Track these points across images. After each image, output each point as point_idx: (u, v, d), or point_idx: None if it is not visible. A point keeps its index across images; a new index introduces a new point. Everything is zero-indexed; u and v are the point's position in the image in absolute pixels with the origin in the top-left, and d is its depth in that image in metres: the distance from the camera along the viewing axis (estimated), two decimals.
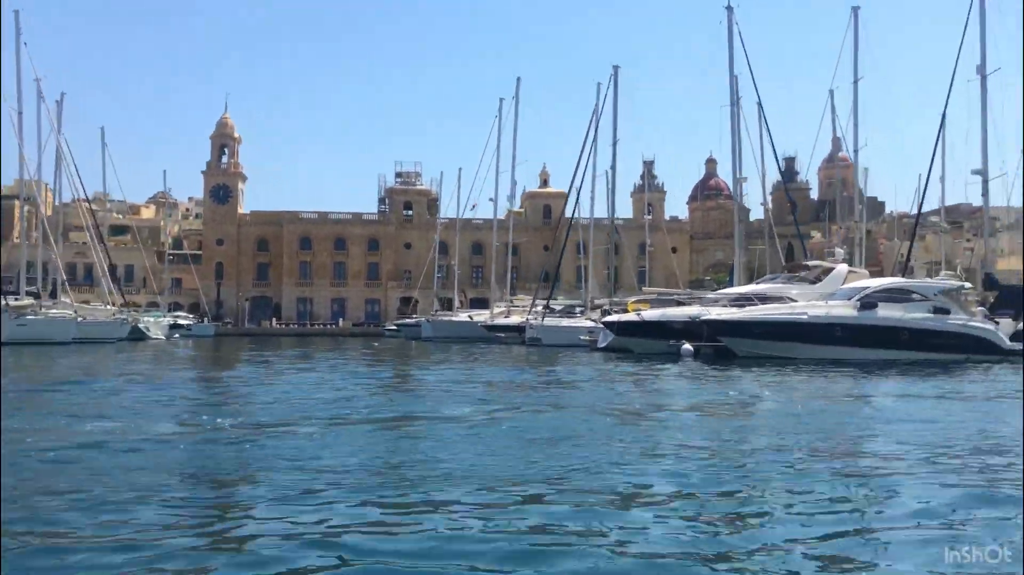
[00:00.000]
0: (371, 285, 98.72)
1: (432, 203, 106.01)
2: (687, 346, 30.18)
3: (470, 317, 63.67)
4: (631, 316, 33.80)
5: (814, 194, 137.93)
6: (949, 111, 57.13)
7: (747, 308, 30.42)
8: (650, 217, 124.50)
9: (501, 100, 63.34)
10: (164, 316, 66.94)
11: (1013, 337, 34.50)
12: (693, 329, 30.69)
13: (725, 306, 31.63)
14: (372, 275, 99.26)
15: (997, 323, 31.06)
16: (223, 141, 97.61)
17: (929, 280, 31.21)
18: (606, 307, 42.11)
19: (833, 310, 29.16)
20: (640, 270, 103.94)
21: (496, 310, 61.90)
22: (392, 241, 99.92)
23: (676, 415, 14.24)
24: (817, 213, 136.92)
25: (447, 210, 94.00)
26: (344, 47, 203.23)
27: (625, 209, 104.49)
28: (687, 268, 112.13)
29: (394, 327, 78.14)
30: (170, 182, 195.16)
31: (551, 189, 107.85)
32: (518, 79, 61.47)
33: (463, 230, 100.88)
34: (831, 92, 54.58)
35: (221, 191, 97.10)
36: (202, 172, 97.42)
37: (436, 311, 75.08)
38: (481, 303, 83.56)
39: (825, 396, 17.67)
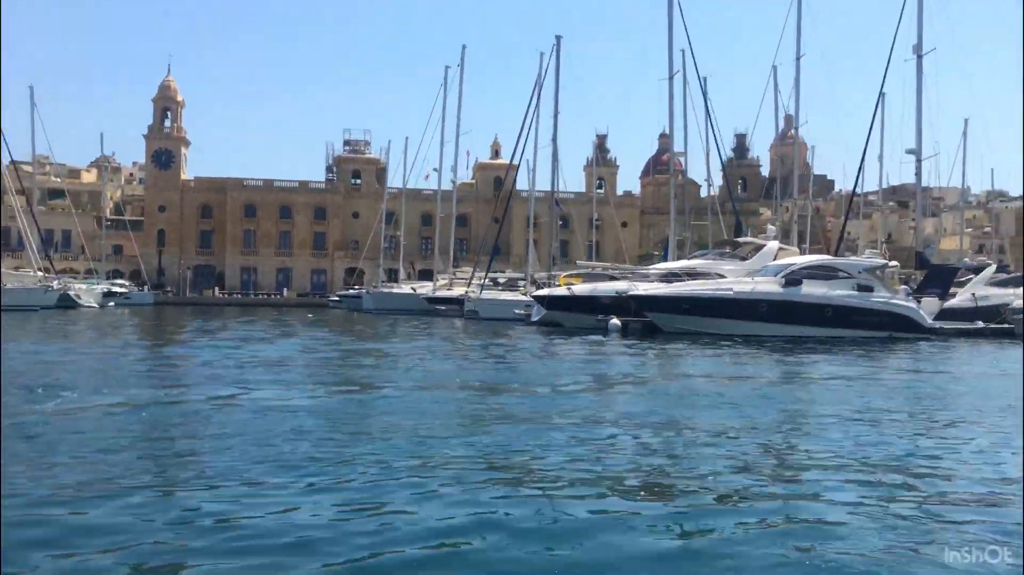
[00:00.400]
0: (317, 255, 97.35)
1: (381, 172, 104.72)
2: (614, 321, 30.08)
3: (413, 289, 63.08)
4: (561, 290, 33.60)
5: (765, 171, 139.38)
6: (889, 91, 57.53)
7: (674, 284, 30.40)
8: (601, 191, 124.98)
9: (447, 68, 62.33)
10: (98, 284, 65.14)
11: (938, 316, 35.12)
12: (622, 304, 30.59)
13: (654, 282, 31.59)
14: (318, 245, 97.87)
15: (919, 301, 31.45)
16: (166, 104, 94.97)
17: (854, 258, 31.45)
18: (540, 281, 41.89)
19: (758, 286, 29.22)
20: (589, 244, 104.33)
21: (440, 282, 61.32)
22: (339, 210, 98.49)
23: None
24: (768, 190, 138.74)
25: (396, 179, 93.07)
26: (292, 10, 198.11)
27: (578, 183, 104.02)
28: (637, 243, 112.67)
29: (336, 298, 77.25)
30: (114, 147, 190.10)
31: (502, 160, 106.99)
32: (463, 47, 60.74)
33: (412, 200, 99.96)
34: (774, 68, 54.56)
35: (163, 156, 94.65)
36: (144, 136, 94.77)
37: (382, 282, 74.34)
38: (429, 275, 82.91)
39: (713, 375, 17.56)
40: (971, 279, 37.60)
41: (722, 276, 31.76)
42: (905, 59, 43.26)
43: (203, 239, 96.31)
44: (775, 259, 32.92)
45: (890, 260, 33.16)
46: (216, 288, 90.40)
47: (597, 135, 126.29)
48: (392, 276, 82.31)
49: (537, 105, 47.82)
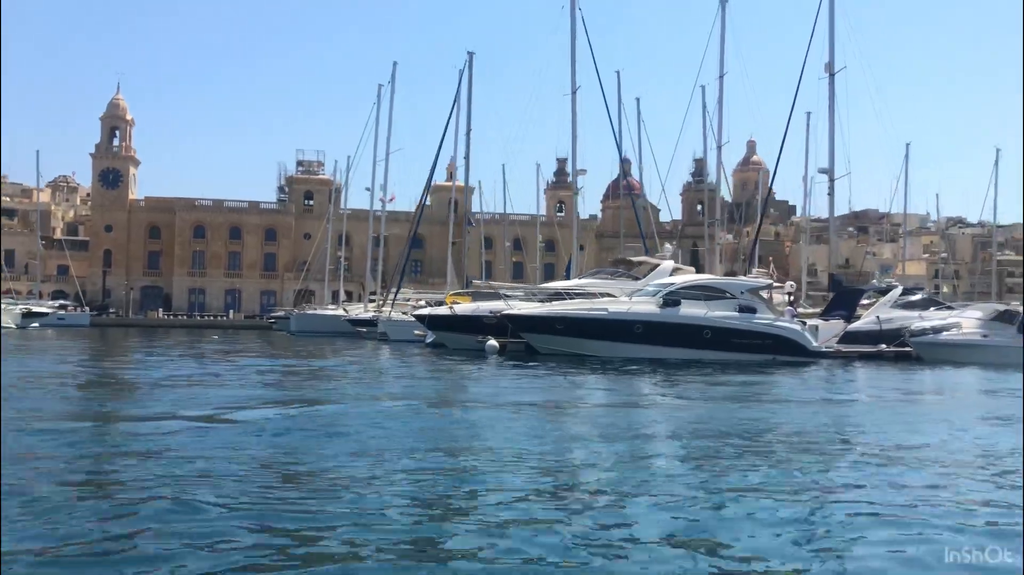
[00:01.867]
0: (267, 276, 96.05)
1: (336, 193, 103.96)
2: (491, 342, 28.93)
3: (345, 311, 61.87)
4: (442, 310, 32.50)
5: (728, 196, 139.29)
6: (811, 109, 57.07)
7: (552, 303, 29.35)
8: (561, 214, 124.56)
9: (380, 86, 61.52)
10: (16, 304, 63.48)
11: (842, 339, 34.17)
12: (506, 324, 29.50)
13: (538, 301, 30.52)
14: (269, 266, 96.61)
15: (804, 323, 30.49)
16: (114, 123, 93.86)
17: (737, 278, 30.43)
18: (431, 301, 40.70)
19: (635, 307, 28.15)
20: (546, 265, 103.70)
21: (373, 304, 60.09)
22: (290, 231, 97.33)
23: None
24: (731, 215, 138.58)
25: (352, 200, 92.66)
26: (245, 29, 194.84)
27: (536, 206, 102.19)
28: (593, 265, 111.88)
29: (272, 320, 76.01)
30: (56, 166, 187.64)
31: (459, 182, 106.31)
32: (394, 64, 59.69)
33: (364, 221, 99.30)
34: (701, 88, 53.88)
35: (111, 175, 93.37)
36: (91, 155, 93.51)
37: (304, 304, 73.36)
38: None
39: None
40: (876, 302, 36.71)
41: (612, 296, 30.73)
42: (819, 77, 42.90)
43: (151, 260, 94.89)
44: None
45: (776, 280, 32.15)
46: (161, 310, 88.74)
47: (557, 159, 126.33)
48: (347, 298, 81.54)
49: (459, 122, 47.00)
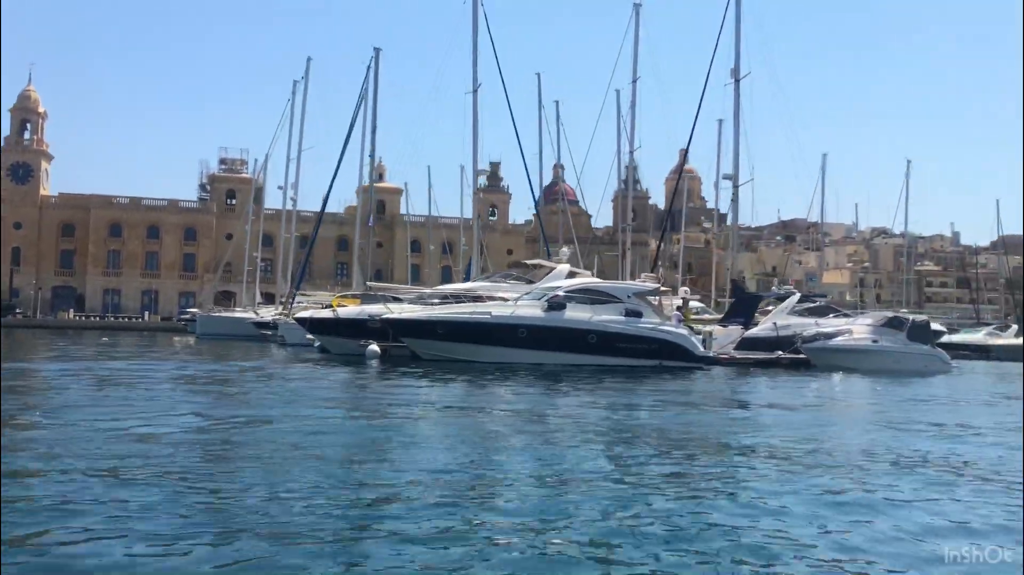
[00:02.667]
0: (187, 277, 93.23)
1: (258, 192, 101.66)
2: (372, 347, 27.77)
3: (256, 313, 59.95)
4: (324, 313, 31.26)
5: (661, 203, 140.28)
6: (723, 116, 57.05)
7: (434, 307, 28.38)
8: (494, 218, 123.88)
9: (295, 82, 59.86)
10: None
11: (739, 345, 33.88)
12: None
13: (428, 305, 29.51)
14: (188, 266, 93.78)
15: (692, 328, 30.08)
16: (25, 115, 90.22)
17: (623, 282, 29.84)
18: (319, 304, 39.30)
19: (520, 311, 27.30)
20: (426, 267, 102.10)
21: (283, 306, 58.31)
22: (211, 231, 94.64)
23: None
24: (662, 222, 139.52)
25: (277, 199, 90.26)
26: (167, 20, 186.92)
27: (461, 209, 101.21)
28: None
29: (183, 322, 73.59)
30: None
31: (387, 184, 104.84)
32: (308, 59, 58.03)
33: (288, 222, 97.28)
34: (616, 92, 53.57)
35: (21, 170, 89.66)
36: None
37: (211, 306, 71.14)
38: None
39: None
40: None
41: (504, 300, 29.86)
42: (725, 83, 42.83)
43: (63, 259, 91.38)
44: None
45: (663, 285, 31.68)
46: (72, 311, 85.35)
47: (490, 163, 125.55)
48: (263, 300, 79.14)
49: (365, 118, 45.79)
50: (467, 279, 37.36)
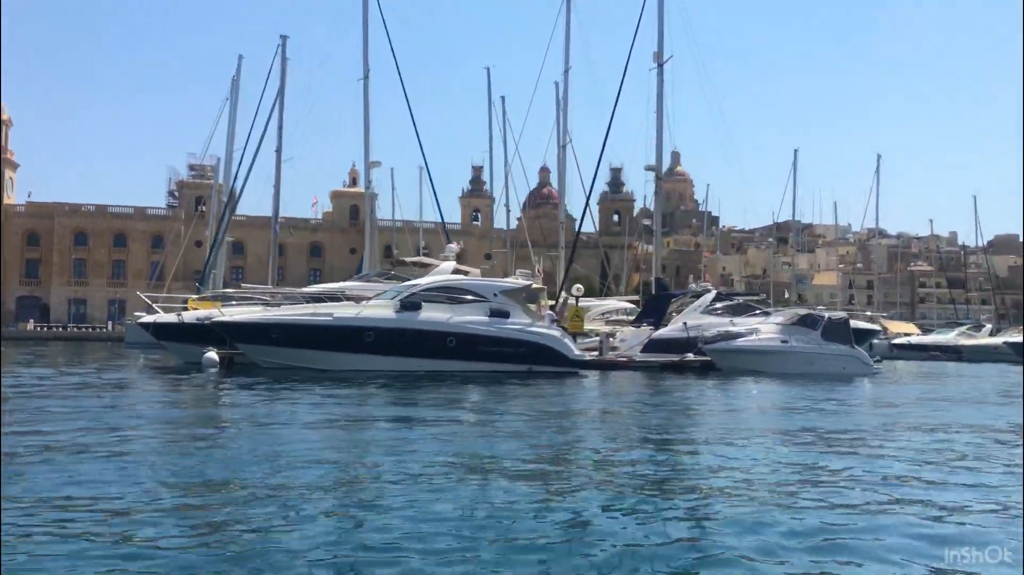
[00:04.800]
0: (154, 286, 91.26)
1: (230, 198, 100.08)
2: (209, 354, 25.19)
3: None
4: (168, 317, 28.84)
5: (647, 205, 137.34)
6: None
7: (269, 309, 25.83)
8: (478, 223, 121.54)
9: (233, 80, 57.46)
10: None
11: (646, 347, 31.19)
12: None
13: (280, 306, 26.96)
14: (156, 275, 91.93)
15: (564, 329, 27.33)
16: None
17: (490, 279, 27.11)
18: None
19: (367, 311, 24.74)
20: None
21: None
22: (180, 238, 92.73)
23: None
24: (650, 225, 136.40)
25: (246, 206, 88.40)
26: (134, 26, 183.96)
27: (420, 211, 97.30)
28: (502, 275, 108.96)
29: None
30: None
31: (359, 189, 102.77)
32: (240, 57, 55.64)
33: (263, 228, 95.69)
34: (556, 84, 50.83)
35: None
36: None
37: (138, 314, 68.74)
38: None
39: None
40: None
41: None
42: (649, 68, 40.13)
43: (29, 268, 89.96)
44: None
45: (541, 284, 28.93)
46: (33, 321, 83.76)
47: (473, 166, 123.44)
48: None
49: (279, 118, 43.39)
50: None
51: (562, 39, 46.33)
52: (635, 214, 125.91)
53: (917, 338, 57.91)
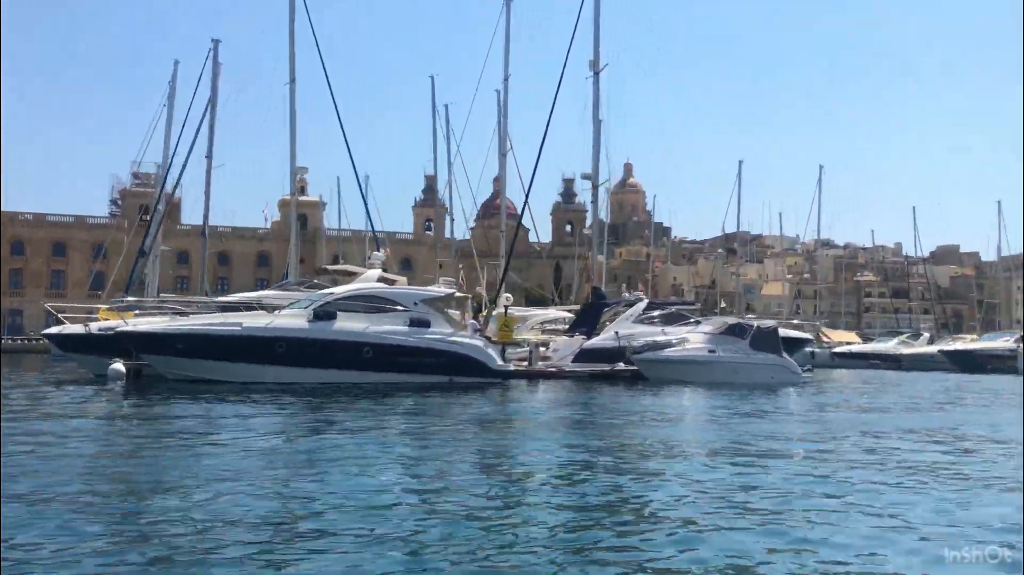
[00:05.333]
0: (95, 296, 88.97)
1: (174, 208, 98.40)
2: (116, 366, 24.15)
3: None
4: (75, 328, 27.76)
5: (604, 216, 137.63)
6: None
7: (185, 319, 24.90)
8: (431, 232, 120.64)
9: (169, 84, 56.03)
10: None
11: (577, 357, 30.72)
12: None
13: (199, 314, 26.01)
14: (97, 285, 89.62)
15: (489, 339, 26.77)
16: None
17: (411, 287, 26.47)
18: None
19: (279, 321, 23.95)
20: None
21: None
22: (122, 248, 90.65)
23: None
24: (608, 235, 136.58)
25: (196, 215, 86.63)
26: (80, 29, 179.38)
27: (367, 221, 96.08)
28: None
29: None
30: None
31: (308, 197, 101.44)
32: (175, 62, 54.12)
33: (210, 237, 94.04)
34: (497, 92, 50.45)
35: None
36: None
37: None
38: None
39: None
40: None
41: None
42: (586, 76, 39.92)
43: None
44: None
45: (461, 291, 28.33)
46: None
47: (425, 175, 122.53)
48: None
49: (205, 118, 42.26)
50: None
51: (502, 46, 46.08)
52: (588, 225, 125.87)
53: (858, 347, 58.36)
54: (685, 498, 8.06)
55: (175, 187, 43.02)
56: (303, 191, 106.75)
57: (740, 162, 71.60)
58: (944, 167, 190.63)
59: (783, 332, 36.20)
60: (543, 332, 36.98)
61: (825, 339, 60.97)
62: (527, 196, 39.54)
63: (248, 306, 27.11)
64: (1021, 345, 47.19)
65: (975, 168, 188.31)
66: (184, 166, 43.23)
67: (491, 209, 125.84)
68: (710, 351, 28.89)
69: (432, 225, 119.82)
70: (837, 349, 57.11)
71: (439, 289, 26.30)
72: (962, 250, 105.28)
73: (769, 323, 30.27)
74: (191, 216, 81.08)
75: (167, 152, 55.64)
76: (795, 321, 49.18)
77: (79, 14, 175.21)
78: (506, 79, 46.44)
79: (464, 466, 10.43)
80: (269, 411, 17.20)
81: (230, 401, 19.01)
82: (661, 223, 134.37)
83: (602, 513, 7.28)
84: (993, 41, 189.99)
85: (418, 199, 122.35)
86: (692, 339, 29.35)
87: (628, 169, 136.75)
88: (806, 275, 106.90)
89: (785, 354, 30.47)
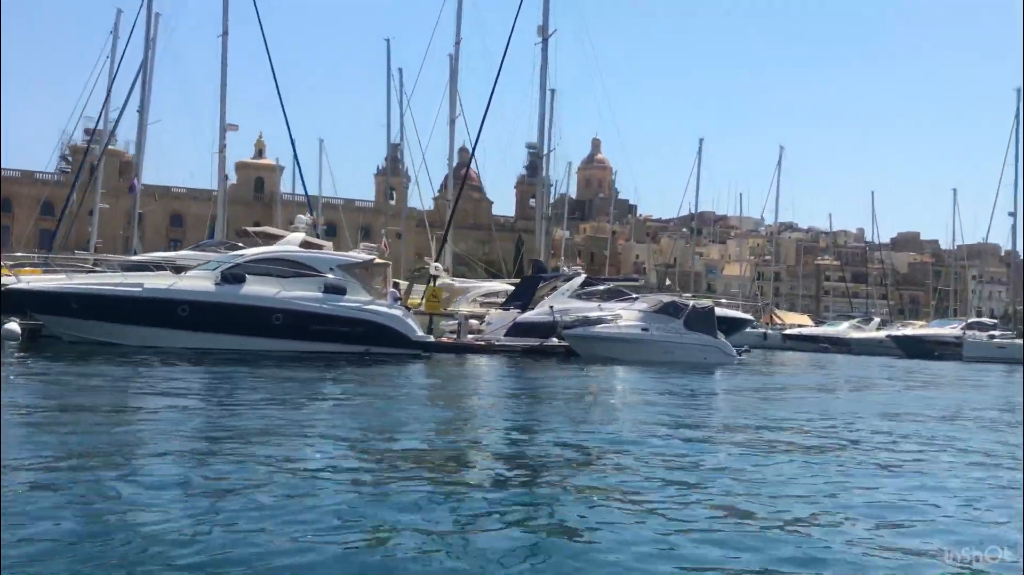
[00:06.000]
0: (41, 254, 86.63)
1: (126, 166, 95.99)
2: (10, 326, 22.81)
3: None
4: None
5: (572, 192, 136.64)
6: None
7: (84, 276, 23.54)
8: (393, 202, 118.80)
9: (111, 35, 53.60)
10: None
11: (510, 331, 29.82)
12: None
13: (107, 275, 24.61)
14: (45, 244, 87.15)
15: (409, 309, 25.73)
16: None
17: (327, 252, 25.21)
18: None
19: (182, 283, 22.68)
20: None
21: None
22: (72, 207, 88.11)
23: None
24: (573, 211, 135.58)
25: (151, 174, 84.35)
26: None
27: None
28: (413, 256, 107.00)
29: None
30: None
31: (265, 160, 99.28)
32: (118, 12, 51.62)
33: (162, 198, 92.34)
34: (449, 57, 48.90)
35: None
36: None
37: None
38: None
39: None
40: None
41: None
42: (535, 43, 38.69)
43: None
44: None
45: (385, 253, 27.15)
46: None
47: (391, 143, 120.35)
48: None
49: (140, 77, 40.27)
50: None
51: (454, 9, 44.67)
52: (554, 199, 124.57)
53: (808, 330, 58.08)
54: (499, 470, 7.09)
55: (106, 143, 41.17)
56: (261, 154, 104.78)
57: (701, 140, 70.61)
58: (903, 154, 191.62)
59: (724, 312, 35.59)
60: (481, 305, 36.04)
61: (778, 321, 60.62)
62: (468, 165, 38.33)
63: (160, 266, 25.69)
64: (965, 332, 47.05)
65: (932, 156, 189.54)
66: (117, 122, 41.48)
67: (457, 179, 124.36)
68: (643, 329, 28.08)
69: (394, 194, 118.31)
70: (788, 331, 56.77)
71: (357, 255, 25.11)
72: (922, 237, 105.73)
73: (705, 303, 29.49)
74: (153, 176, 78.82)
75: (107, 109, 53.56)
76: (738, 302, 48.67)
77: None
78: (457, 43, 45.06)
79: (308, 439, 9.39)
80: (142, 380, 16.03)
81: (118, 364, 17.86)
82: (627, 200, 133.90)
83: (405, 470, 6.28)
84: (954, 25, 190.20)
85: (380, 167, 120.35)
86: (625, 316, 28.53)
87: (596, 145, 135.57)
88: (767, 257, 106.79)
89: (721, 335, 29.79)
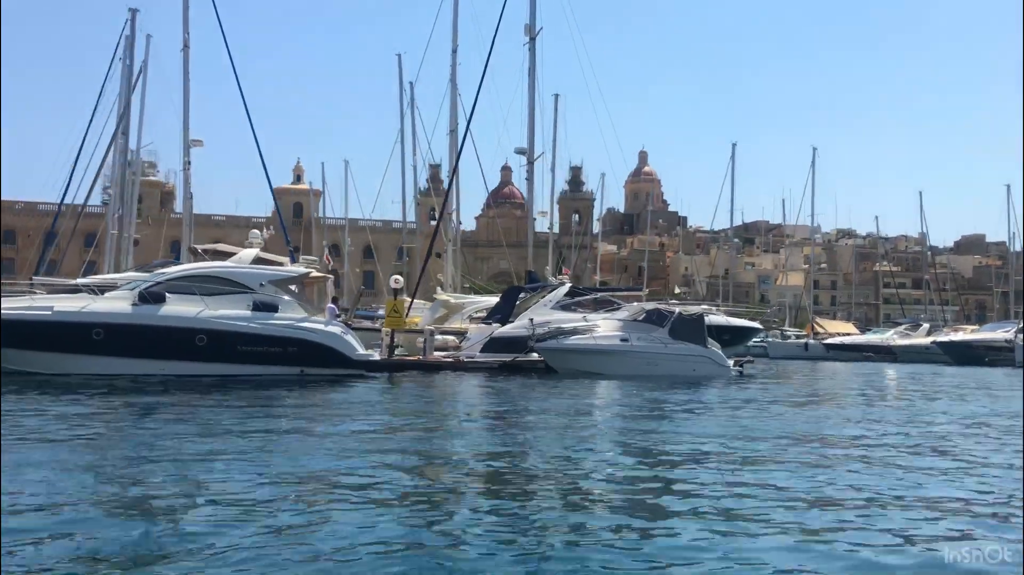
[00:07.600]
0: (8, 278, 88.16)
1: (166, 195, 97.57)
2: None
3: None
4: None
5: (620, 207, 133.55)
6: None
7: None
8: (434, 222, 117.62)
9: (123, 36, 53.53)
10: None
11: (486, 346, 27.59)
12: None
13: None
14: (8, 270, 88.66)
15: (349, 326, 23.62)
16: None
17: (258, 267, 23.14)
18: None
19: (96, 304, 21.10)
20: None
21: None
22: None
23: None
24: (622, 226, 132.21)
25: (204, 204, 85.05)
26: None
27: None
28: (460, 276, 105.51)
29: None
30: None
31: (303, 185, 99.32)
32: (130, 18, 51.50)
33: (203, 226, 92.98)
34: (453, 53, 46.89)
35: None
36: None
37: None
38: None
39: None
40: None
41: None
42: (523, 43, 36.55)
43: None
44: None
45: (320, 271, 25.04)
46: None
47: (430, 165, 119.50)
48: None
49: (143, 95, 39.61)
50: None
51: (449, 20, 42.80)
52: (602, 214, 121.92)
53: (852, 338, 54.06)
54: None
55: (98, 173, 40.66)
56: (299, 179, 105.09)
57: (733, 145, 67.23)
58: (950, 152, 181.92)
59: (726, 321, 32.75)
60: (471, 321, 33.90)
61: (820, 330, 56.75)
62: (451, 178, 36.46)
63: (103, 288, 24.14)
64: (1020, 336, 42.68)
65: (982, 152, 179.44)
66: (108, 150, 40.95)
67: (498, 197, 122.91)
68: (622, 340, 25.52)
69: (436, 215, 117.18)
70: (829, 340, 52.92)
71: (290, 268, 23.23)
72: (988, 239, 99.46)
73: (695, 310, 26.68)
74: (203, 206, 78.96)
75: (116, 123, 53.31)
76: (741, 308, 45.27)
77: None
78: (454, 51, 43.15)
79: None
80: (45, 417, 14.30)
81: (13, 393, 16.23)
82: (676, 212, 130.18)
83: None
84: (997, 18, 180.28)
85: (422, 188, 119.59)
86: (604, 326, 26.01)
87: (643, 157, 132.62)
88: (822, 265, 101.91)
89: (716, 345, 26.92)
